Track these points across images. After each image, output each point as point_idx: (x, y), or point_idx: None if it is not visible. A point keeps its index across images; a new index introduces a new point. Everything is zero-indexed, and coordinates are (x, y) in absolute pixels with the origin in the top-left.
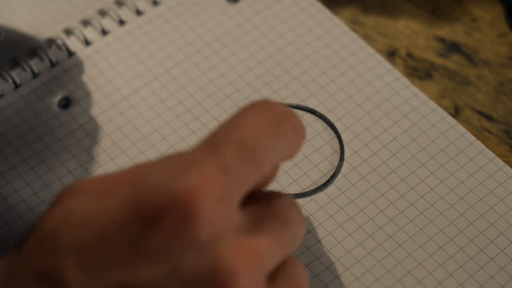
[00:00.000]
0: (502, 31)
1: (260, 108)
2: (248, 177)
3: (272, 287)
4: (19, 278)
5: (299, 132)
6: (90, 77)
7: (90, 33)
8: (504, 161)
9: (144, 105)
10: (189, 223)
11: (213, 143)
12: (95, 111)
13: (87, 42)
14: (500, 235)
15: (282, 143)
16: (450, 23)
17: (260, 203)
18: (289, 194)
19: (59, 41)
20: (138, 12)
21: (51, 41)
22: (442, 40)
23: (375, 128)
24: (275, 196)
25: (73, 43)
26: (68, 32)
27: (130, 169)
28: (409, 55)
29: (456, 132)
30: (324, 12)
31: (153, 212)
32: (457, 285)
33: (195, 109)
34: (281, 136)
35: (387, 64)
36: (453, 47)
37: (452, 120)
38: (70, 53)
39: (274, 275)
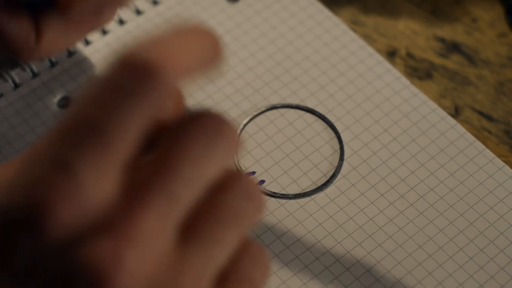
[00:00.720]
0: (502, 31)
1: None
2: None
3: None
4: None
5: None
6: (90, 76)
7: None
8: (504, 161)
9: None
10: (35, 234)
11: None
12: None
13: (87, 42)
14: (500, 235)
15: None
16: (450, 23)
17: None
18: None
19: None
20: (138, 12)
21: None
22: (442, 40)
23: (375, 128)
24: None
25: None
26: None
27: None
28: (409, 55)
29: (456, 132)
30: (324, 12)
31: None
32: (457, 285)
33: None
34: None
35: (387, 64)
36: (453, 47)
37: (452, 120)
38: (70, 53)
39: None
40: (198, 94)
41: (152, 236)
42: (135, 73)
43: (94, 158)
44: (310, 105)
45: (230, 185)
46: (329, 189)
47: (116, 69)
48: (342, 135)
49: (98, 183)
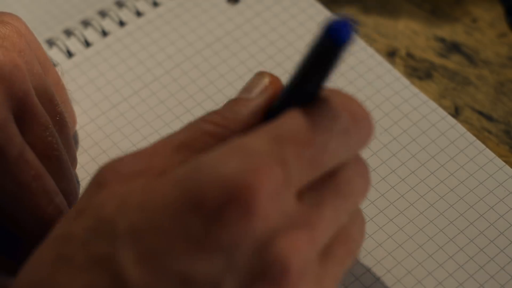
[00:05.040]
0: (502, 31)
1: (336, 104)
2: (308, 174)
3: (325, 260)
4: (74, 262)
5: (370, 137)
6: (90, 78)
7: (90, 34)
8: (504, 161)
9: (144, 106)
10: (247, 218)
11: (277, 136)
12: (95, 112)
13: (87, 43)
14: (500, 235)
15: (350, 147)
16: (450, 23)
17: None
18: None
19: (59, 42)
20: (138, 13)
21: (51, 42)
22: (442, 40)
23: (375, 128)
24: (342, 164)
25: (73, 44)
26: (69, 33)
27: (163, 143)
28: (409, 55)
29: (456, 132)
30: (324, 13)
31: (211, 205)
32: (457, 285)
33: (195, 110)
34: (352, 140)
35: (387, 64)
36: (453, 47)
37: (452, 120)
38: (70, 54)
39: (328, 243)
40: (198, 95)
41: (328, 231)
42: (357, 118)
43: (307, 170)
44: None
45: (354, 164)
46: None
47: (339, 106)
48: None
49: (298, 188)
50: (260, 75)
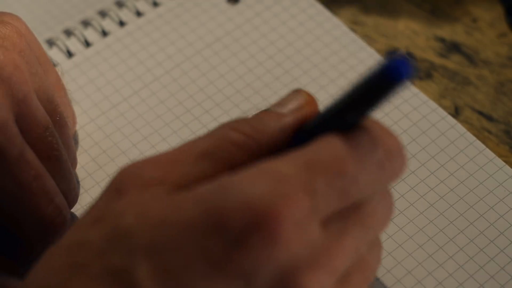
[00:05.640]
0: (502, 31)
1: (374, 137)
2: (336, 205)
3: (341, 286)
4: (89, 271)
5: (402, 173)
6: (90, 78)
7: (90, 34)
8: (504, 161)
9: (144, 106)
10: (271, 246)
11: (309, 163)
12: (95, 112)
13: (87, 43)
14: (500, 235)
15: (381, 181)
16: (450, 23)
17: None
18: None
19: (59, 42)
20: (138, 13)
21: (51, 42)
22: (442, 40)
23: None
24: (366, 197)
25: (73, 44)
26: (69, 33)
27: (185, 149)
28: (409, 55)
29: (456, 132)
30: (324, 13)
31: (235, 228)
32: (457, 285)
33: (195, 110)
34: (384, 174)
35: None
36: (453, 47)
37: (452, 120)
38: (70, 54)
39: (345, 270)
40: (198, 95)
41: (348, 260)
42: (393, 153)
43: (335, 201)
44: None
45: (381, 196)
46: None
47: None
48: None
49: (323, 216)
50: (297, 92)
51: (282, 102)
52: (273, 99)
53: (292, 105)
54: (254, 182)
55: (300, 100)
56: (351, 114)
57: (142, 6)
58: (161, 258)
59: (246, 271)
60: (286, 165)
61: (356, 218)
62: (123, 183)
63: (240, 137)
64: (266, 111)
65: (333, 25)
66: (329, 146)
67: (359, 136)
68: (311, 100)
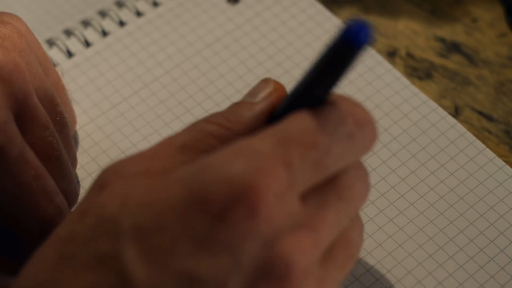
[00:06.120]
0: (502, 31)
1: (342, 109)
2: (312, 177)
3: (326, 263)
4: (77, 261)
5: (373, 143)
6: (90, 78)
7: (90, 34)
8: (504, 161)
9: (144, 106)
10: (252, 218)
11: (282, 138)
12: (95, 112)
13: (87, 43)
14: (500, 235)
15: (354, 152)
16: (450, 23)
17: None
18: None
19: (59, 42)
20: (138, 13)
21: (51, 42)
22: (442, 40)
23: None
24: (343, 169)
25: (73, 44)
26: (69, 33)
27: (165, 144)
28: (409, 55)
29: (456, 131)
30: (324, 13)
31: (216, 205)
32: (457, 285)
33: (195, 110)
34: (356, 145)
35: (387, 64)
36: (453, 47)
37: (452, 120)
38: (70, 54)
39: (329, 247)
40: (198, 95)
41: (330, 234)
42: (362, 123)
43: (311, 173)
44: None
45: (355, 169)
46: None
47: (346, 111)
48: None
49: (302, 190)
50: (265, 81)
51: (252, 92)
52: None
53: (262, 94)
54: (231, 159)
55: (269, 87)
56: (317, 88)
57: (142, 6)
58: (146, 239)
59: (230, 246)
60: (260, 141)
61: (334, 192)
62: (105, 180)
63: (217, 129)
64: (238, 102)
65: (333, 25)
66: (300, 121)
67: (328, 109)
68: (279, 86)
